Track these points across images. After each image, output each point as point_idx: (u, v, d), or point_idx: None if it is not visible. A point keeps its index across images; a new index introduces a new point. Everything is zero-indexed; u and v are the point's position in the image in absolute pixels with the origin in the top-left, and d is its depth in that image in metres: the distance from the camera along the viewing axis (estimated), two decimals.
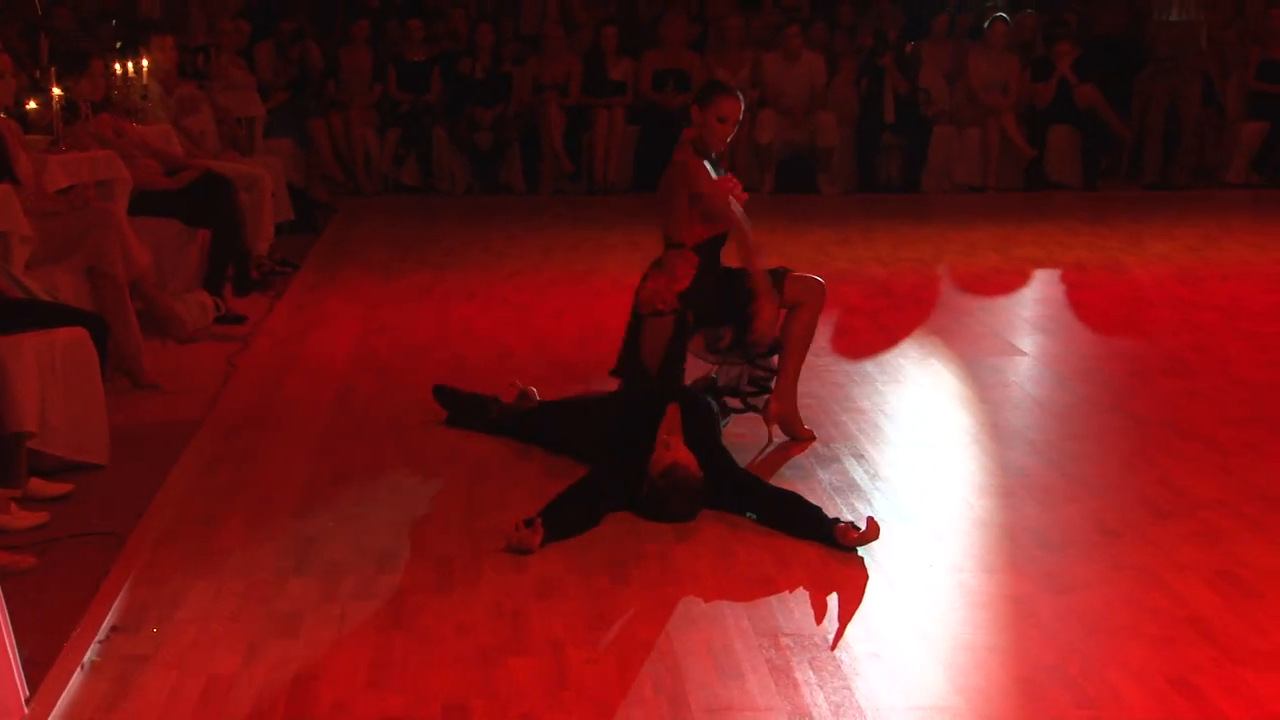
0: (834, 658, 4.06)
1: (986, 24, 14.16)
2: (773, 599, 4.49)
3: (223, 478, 5.70)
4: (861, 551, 4.83)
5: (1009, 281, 9.82)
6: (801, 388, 6.22)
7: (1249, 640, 4.13)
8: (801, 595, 4.51)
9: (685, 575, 4.67)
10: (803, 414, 6.19)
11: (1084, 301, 9.18)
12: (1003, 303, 9.24)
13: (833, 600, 4.48)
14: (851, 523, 4.89)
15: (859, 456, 5.91)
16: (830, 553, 4.81)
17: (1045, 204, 13.17)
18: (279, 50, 14.04)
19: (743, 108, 6.14)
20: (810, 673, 3.96)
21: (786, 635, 4.21)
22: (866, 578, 4.64)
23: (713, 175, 6.07)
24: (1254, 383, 6.97)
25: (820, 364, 7.19)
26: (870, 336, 8.10)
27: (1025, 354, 7.71)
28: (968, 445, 6.10)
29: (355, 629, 4.25)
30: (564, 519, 5.02)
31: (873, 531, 4.84)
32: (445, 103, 14.16)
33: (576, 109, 14.00)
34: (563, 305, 8.94)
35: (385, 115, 14.15)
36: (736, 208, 6.10)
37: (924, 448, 6.06)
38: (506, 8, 15.28)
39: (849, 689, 3.88)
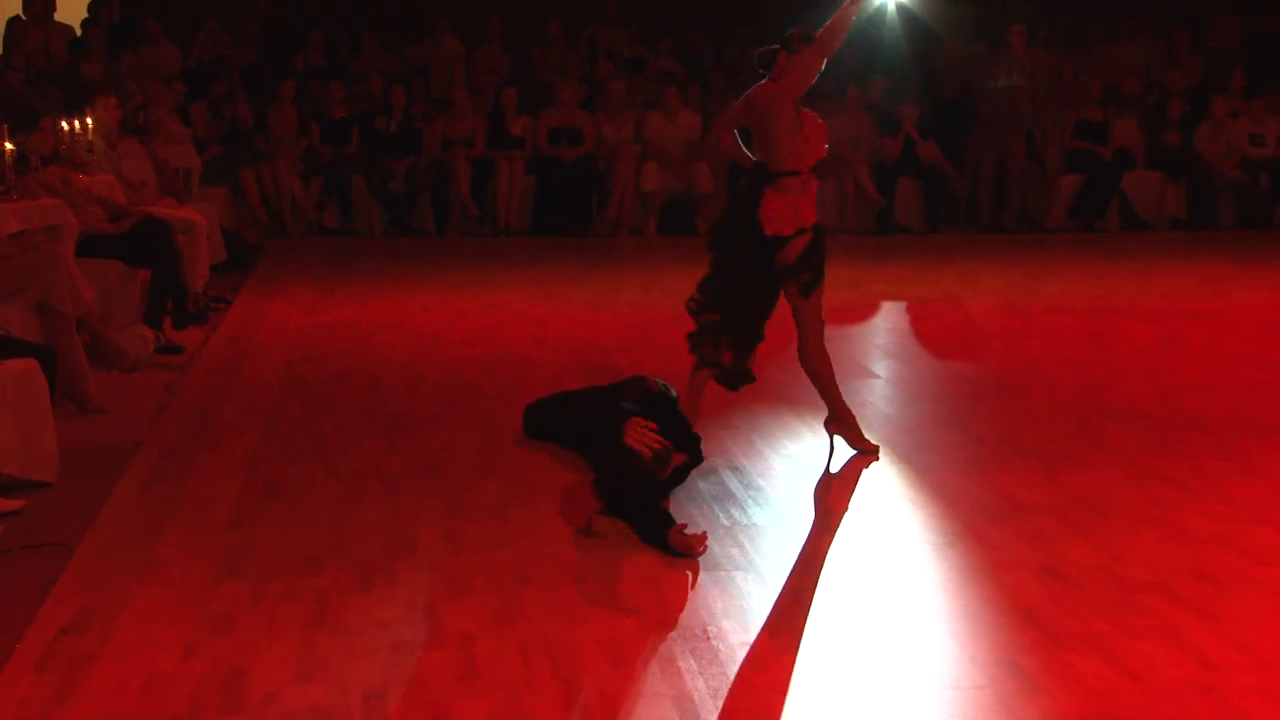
0: (712, 647, 4.06)
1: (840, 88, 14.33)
2: (658, 596, 4.48)
3: (162, 493, 5.60)
4: (736, 553, 4.84)
5: (863, 313, 9.90)
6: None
7: (1071, 626, 4.18)
8: (684, 592, 4.51)
9: (581, 575, 4.65)
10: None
11: (927, 331, 9.28)
12: (858, 332, 9.31)
13: (711, 596, 4.47)
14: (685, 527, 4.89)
15: (734, 469, 5.92)
16: (712, 555, 4.82)
17: (893, 246, 13.32)
18: (212, 109, 13.99)
19: None
20: (691, 661, 3.96)
21: (670, 628, 4.21)
22: (742, 576, 4.65)
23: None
24: (1074, 403, 7.07)
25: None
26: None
27: (878, 377, 7.78)
28: (830, 458, 6.13)
29: (283, 627, 4.19)
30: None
31: (698, 544, 4.83)
32: (363, 155, 14.09)
33: (481, 161, 13.98)
34: (470, 335, 8.89)
35: (309, 166, 14.06)
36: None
37: (791, 460, 6.08)
38: (418, 72, 15.25)
39: (725, 675, 3.88)
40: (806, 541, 5.02)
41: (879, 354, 8.47)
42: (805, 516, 5.32)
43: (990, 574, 4.64)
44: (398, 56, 15.52)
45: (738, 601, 4.42)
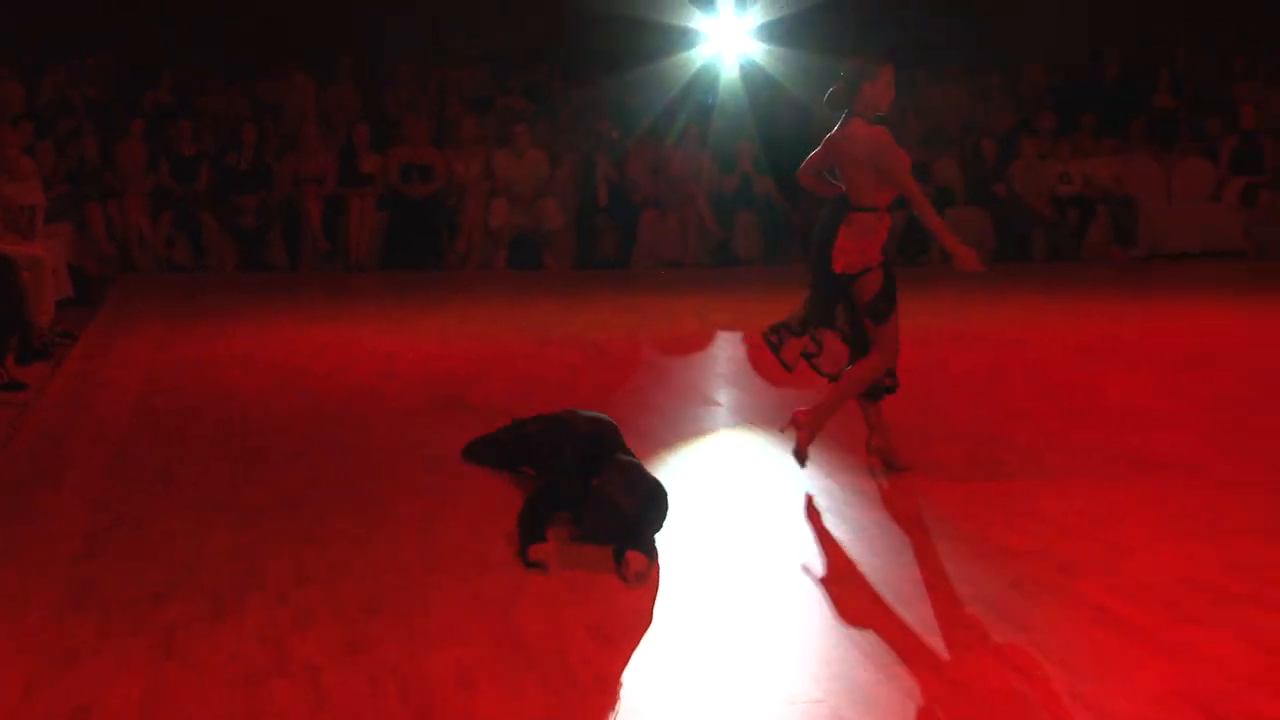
0: (564, 668, 4.04)
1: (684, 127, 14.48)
2: (509, 619, 4.45)
3: (5, 530, 5.42)
4: (585, 574, 4.83)
5: (704, 343, 9.99)
6: None
7: (901, 640, 4.24)
8: (534, 614, 4.49)
9: (429, 603, 4.61)
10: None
11: (766, 359, 9.34)
12: (700, 360, 9.40)
13: (561, 616, 4.46)
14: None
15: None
16: (562, 574, 4.80)
17: (733, 277, 13.46)
18: (58, 147, 13.65)
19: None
20: (541, 683, 3.94)
21: (521, 650, 4.18)
22: (592, 596, 4.64)
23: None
24: (904, 428, 7.16)
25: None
26: (589, 394, 8.13)
27: (719, 404, 7.84)
28: (677, 481, 6.14)
29: (130, 661, 4.07)
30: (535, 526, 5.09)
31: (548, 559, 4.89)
32: (213, 192, 13.86)
33: (333, 197, 13.84)
34: (322, 368, 8.78)
35: (158, 202, 13.77)
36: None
37: None
38: (267, 110, 15.06)
39: (576, 696, 3.87)
40: (657, 563, 5.03)
41: (720, 382, 8.55)
42: (657, 538, 5.32)
43: (826, 591, 4.70)
44: (248, 95, 15.32)
45: (587, 622, 4.41)
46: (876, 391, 6.26)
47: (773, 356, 6.45)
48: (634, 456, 5.52)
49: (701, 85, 15.94)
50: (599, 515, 5.16)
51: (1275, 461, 6.26)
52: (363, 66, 15.71)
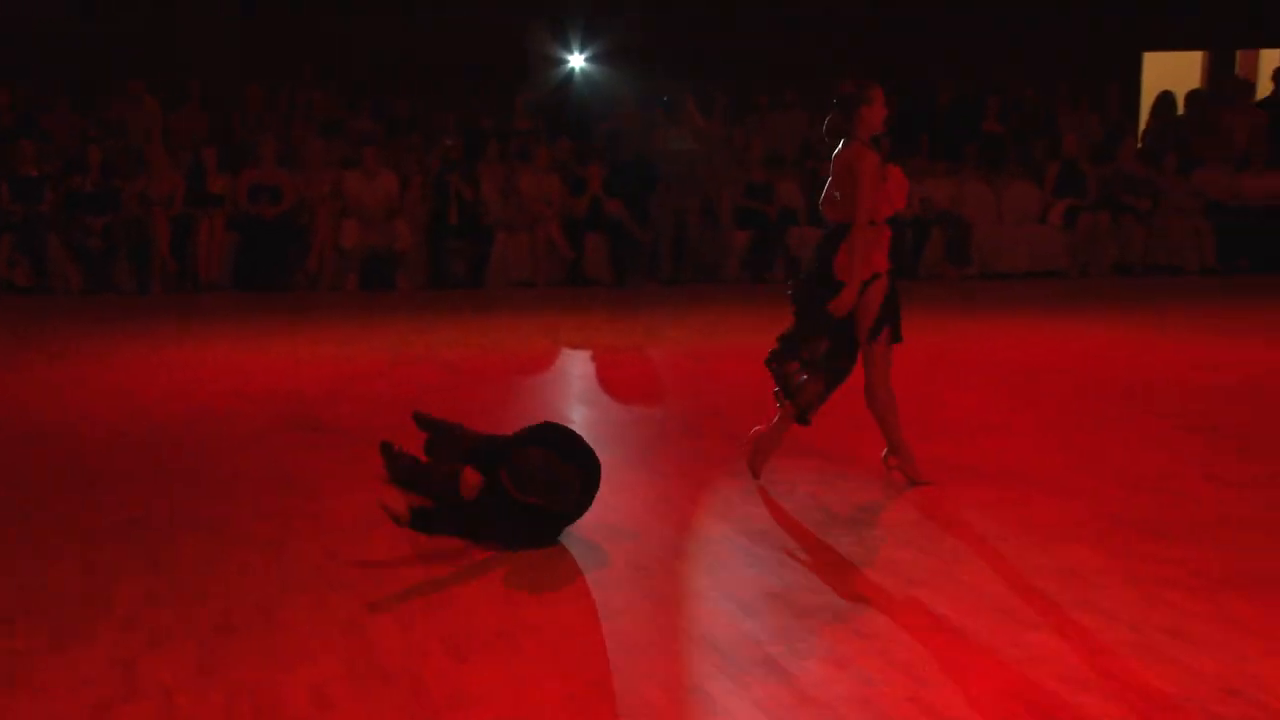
0: (416, 683, 4.01)
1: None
2: (363, 638, 4.40)
3: None
4: (434, 591, 4.80)
5: (555, 361, 9.99)
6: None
7: (749, 651, 4.29)
8: (387, 630, 4.44)
9: (282, 622, 4.53)
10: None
11: (616, 378, 9.42)
12: (551, 379, 9.40)
13: (414, 632, 4.42)
14: None
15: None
16: (420, 589, 4.76)
17: (584, 297, 13.49)
18: None
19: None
20: (396, 700, 3.90)
21: (373, 667, 4.13)
22: (447, 613, 4.60)
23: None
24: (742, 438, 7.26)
25: (396, 435, 7.13)
26: (445, 410, 8.07)
27: (572, 421, 7.84)
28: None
29: None
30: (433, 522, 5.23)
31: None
32: (58, 213, 13.48)
33: (181, 218, 13.56)
34: (171, 390, 8.58)
35: None
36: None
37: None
38: (114, 129, 14.71)
39: (428, 712, 3.83)
40: (516, 574, 5.01)
41: (572, 400, 8.55)
42: (509, 552, 5.31)
43: (679, 604, 4.72)
44: (92, 117, 14.95)
45: (441, 637, 4.38)
46: (805, 416, 6.32)
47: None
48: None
49: (552, 108, 15.99)
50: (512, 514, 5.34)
51: (1101, 472, 6.45)
52: (211, 88, 15.44)
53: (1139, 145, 15.64)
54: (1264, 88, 16.94)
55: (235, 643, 4.34)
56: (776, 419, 6.37)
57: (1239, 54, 18.56)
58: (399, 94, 15.99)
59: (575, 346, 10.52)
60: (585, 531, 5.63)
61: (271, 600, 4.75)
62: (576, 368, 9.90)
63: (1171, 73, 17.56)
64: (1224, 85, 17.13)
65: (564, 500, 5.39)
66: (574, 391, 8.89)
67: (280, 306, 12.77)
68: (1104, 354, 9.93)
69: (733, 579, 4.98)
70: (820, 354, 6.20)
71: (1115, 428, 7.35)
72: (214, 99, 15.43)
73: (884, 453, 6.47)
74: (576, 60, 16.71)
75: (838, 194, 6.19)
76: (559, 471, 5.37)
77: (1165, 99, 16.32)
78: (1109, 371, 9.18)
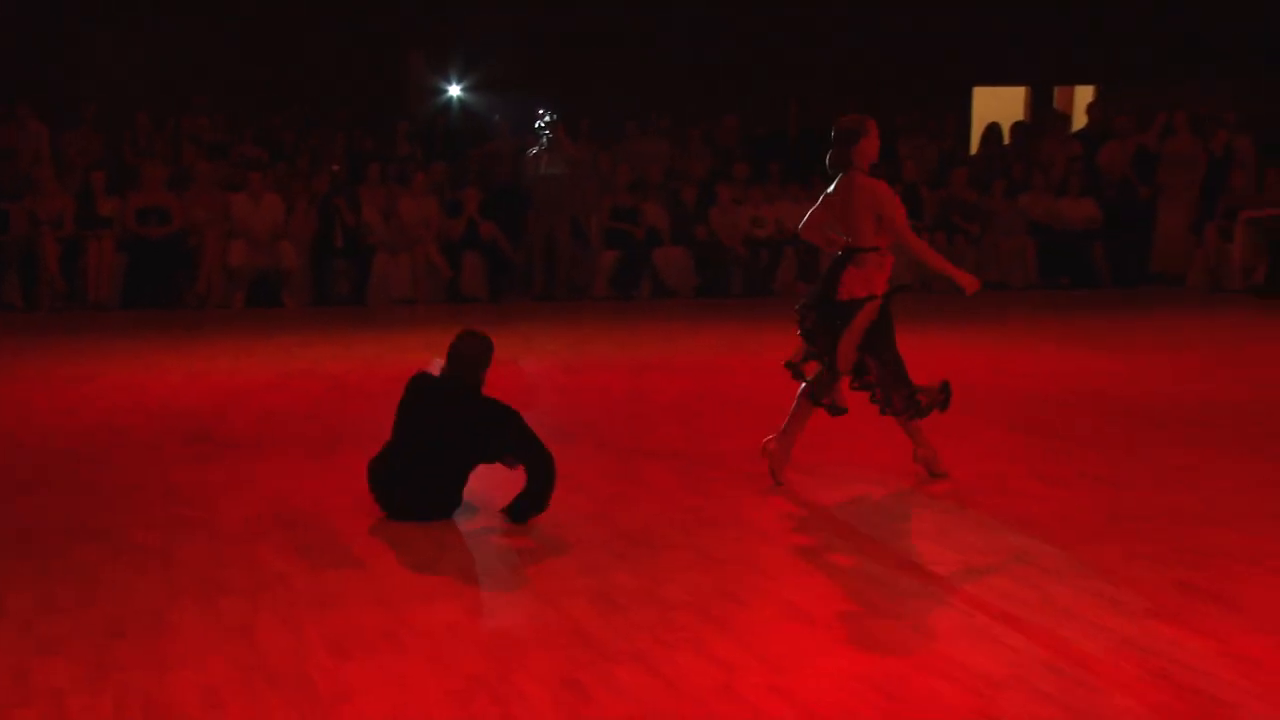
0: (307, 685, 3.95)
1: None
2: (249, 640, 4.32)
3: None
4: (315, 593, 4.73)
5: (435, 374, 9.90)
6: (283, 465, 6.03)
7: (618, 644, 4.30)
8: (275, 633, 4.37)
9: (172, 627, 4.43)
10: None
11: (492, 388, 9.30)
12: None
13: (302, 634, 4.35)
14: None
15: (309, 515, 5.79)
16: (306, 591, 4.69)
17: (462, 313, 13.39)
18: None
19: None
20: (285, 701, 3.84)
21: (260, 669, 4.06)
22: (329, 613, 4.54)
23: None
24: (621, 449, 7.28)
25: (286, 446, 7.04)
26: (331, 422, 7.98)
27: None
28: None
29: None
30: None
31: None
32: None
33: (70, 239, 13.21)
34: (64, 404, 8.35)
35: None
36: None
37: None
38: (2, 153, 14.27)
39: (316, 713, 3.78)
40: (391, 577, 4.96)
41: None
42: (392, 559, 5.26)
43: (552, 599, 4.72)
44: None
45: (328, 638, 4.32)
46: (921, 409, 6.40)
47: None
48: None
49: (430, 135, 15.89)
50: None
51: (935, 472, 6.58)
52: (103, 113, 15.07)
53: (970, 172, 16.00)
54: (1079, 120, 17.46)
55: (126, 647, 4.23)
56: (912, 435, 6.46)
57: (1057, 90, 19.10)
58: (284, 121, 15.77)
59: None
60: (466, 532, 5.60)
61: (162, 606, 4.64)
62: None
63: (998, 106, 18.02)
64: (1044, 118, 17.62)
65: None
66: None
67: (170, 325, 12.49)
68: (941, 363, 10.12)
69: (604, 576, 4.99)
70: (870, 368, 6.35)
71: (953, 432, 7.49)
72: (105, 122, 15.05)
73: (914, 451, 6.54)
74: (454, 90, 16.62)
75: (828, 221, 6.37)
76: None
77: (993, 130, 16.74)
78: (945, 377, 9.35)
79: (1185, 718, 3.70)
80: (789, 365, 6.55)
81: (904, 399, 6.36)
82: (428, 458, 5.71)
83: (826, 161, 6.37)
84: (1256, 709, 3.74)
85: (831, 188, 6.36)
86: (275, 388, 9.13)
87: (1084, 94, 18.67)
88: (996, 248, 15.13)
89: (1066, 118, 17.40)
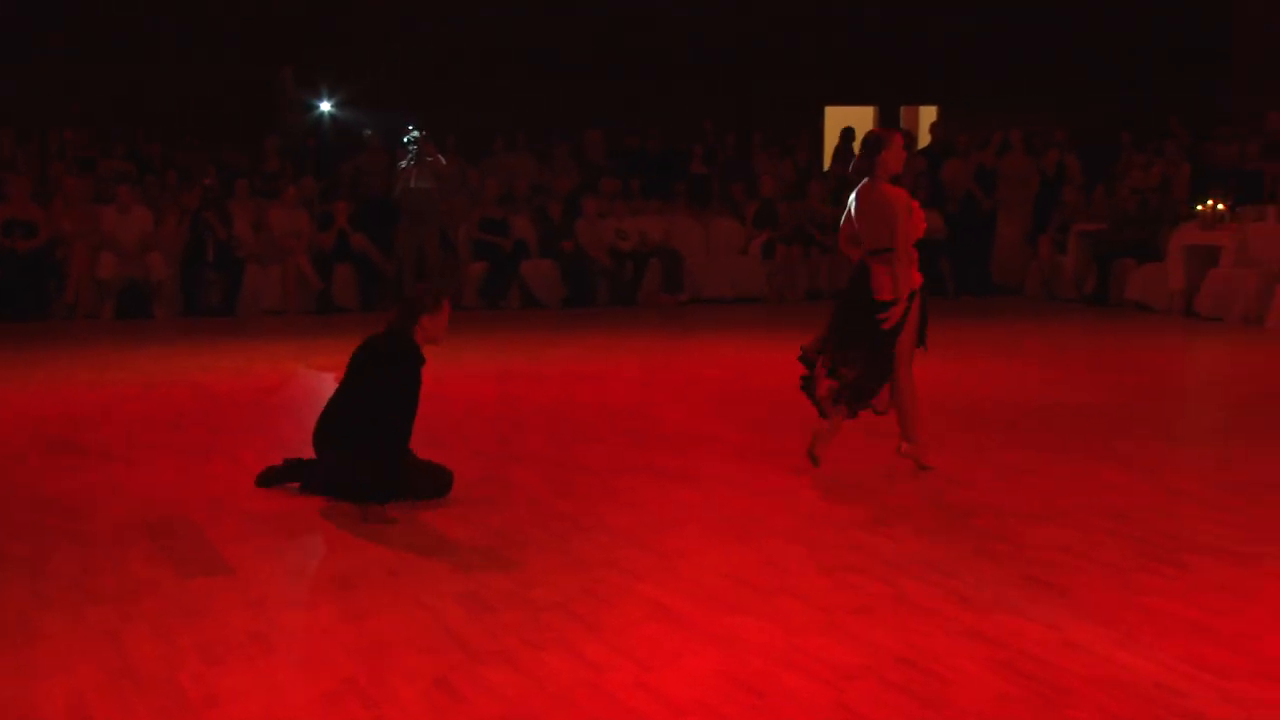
0: (173, 686, 3.84)
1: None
2: (117, 646, 4.17)
3: None
4: (187, 595, 4.61)
5: (309, 385, 9.74)
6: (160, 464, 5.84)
7: (487, 644, 4.26)
8: (144, 639, 4.23)
9: (40, 635, 4.26)
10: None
11: None
12: (301, 400, 9.14)
13: (172, 640, 4.22)
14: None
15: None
16: (175, 597, 4.56)
17: (334, 324, 13.17)
18: None
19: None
20: (151, 708, 3.72)
21: (129, 675, 3.93)
22: (203, 621, 4.42)
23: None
24: (489, 454, 7.23)
25: (155, 455, 6.84)
26: (200, 431, 7.78)
27: None
28: (284, 512, 5.94)
29: None
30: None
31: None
32: None
33: None
34: None
35: None
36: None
37: (260, 518, 5.86)
38: None
39: (185, 708, 3.67)
40: (262, 583, 4.84)
41: None
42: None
43: (423, 601, 4.65)
44: None
45: (198, 643, 4.20)
46: (855, 408, 6.54)
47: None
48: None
49: (301, 150, 15.63)
50: None
51: (795, 474, 6.64)
52: None
53: (824, 186, 16.25)
54: (924, 138, 17.86)
55: None
56: (831, 423, 6.52)
57: (903, 109, 19.52)
58: (153, 136, 15.37)
59: (324, 369, 10.26)
60: (335, 537, 5.50)
61: (29, 614, 4.47)
62: (325, 388, 9.64)
63: (848, 124, 18.34)
64: None
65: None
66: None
67: (38, 335, 12.08)
68: (797, 370, 10.25)
69: (474, 578, 4.94)
70: (852, 363, 6.41)
71: (807, 436, 7.57)
72: None
73: (898, 445, 6.66)
74: (325, 105, 16.38)
75: (858, 227, 6.50)
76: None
77: (845, 142, 17.02)
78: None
79: (1028, 705, 3.78)
80: (802, 351, 6.70)
81: (860, 397, 6.49)
82: (354, 408, 5.86)
83: (850, 169, 6.57)
84: (1091, 694, 3.84)
85: (853, 196, 6.54)
86: (144, 397, 8.88)
87: (928, 113, 19.11)
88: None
89: (912, 135, 17.77)
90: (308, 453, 6.30)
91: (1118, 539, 5.43)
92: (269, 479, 6.28)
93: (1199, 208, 13.58)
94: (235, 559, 5.18)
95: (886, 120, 19.04)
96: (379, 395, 5.84)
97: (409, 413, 5.90)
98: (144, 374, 9.85)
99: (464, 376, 9.89)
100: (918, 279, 6.49)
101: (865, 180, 6.48)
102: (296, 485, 6.23)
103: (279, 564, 5.15)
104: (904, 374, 6.56)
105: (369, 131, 15.46)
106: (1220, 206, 13.38)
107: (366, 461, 5.74)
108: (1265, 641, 4.24)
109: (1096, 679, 3.94)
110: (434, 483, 6.10)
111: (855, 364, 6.40)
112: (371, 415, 5.79)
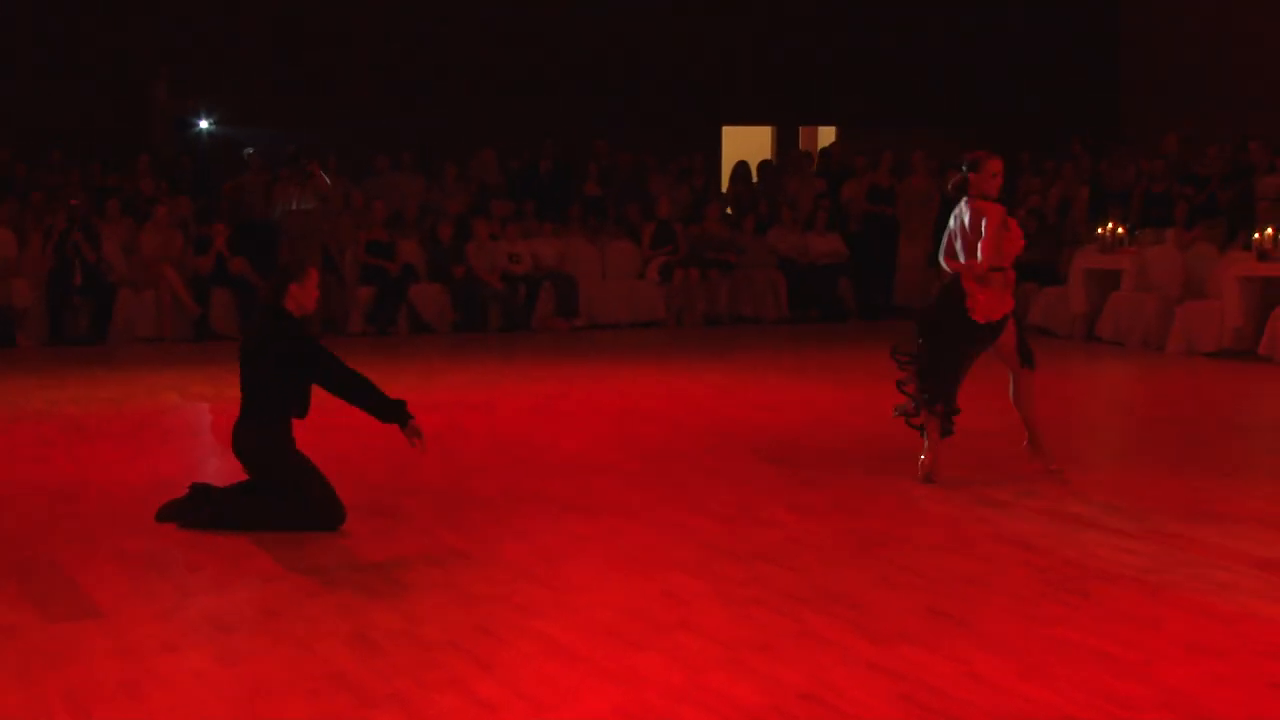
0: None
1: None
2: (19, 653, 4.07)
3: None
4: (53, 641, 4.48)
5: (187, 417, 9.55)
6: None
7: (377, 686, 4.21)
8: (8, 686, 4.11)
9: None
10: None
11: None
12: (181, 432, 8.98)
13: (39, 686, 4.11)
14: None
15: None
16: (41, 644, 4.43)
17: (212, 351, 12.93)
18: None
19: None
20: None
21: (23, 685, 3.83)
22: (69, 664, 4.30)
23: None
24: (377, 486, 7.15)
25: (19, 492, 6.66)
26: (69, 466, 7.59)
27: (204, 475, 7.49)
28: (166, 550, 5.82)
29: None
30: None
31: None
32: None
33: None
34: None
35: None
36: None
37: (132, 557, 5.72)
38: None
39: None
40: (132, 628, 4.73)
41: (204, 453, 8.19)
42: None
43: (306, 643, 4.58)
44: None
45: (62, 694, 4.09)
46: (947, 427, 7.08)
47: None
48: None
49: (176, 169, 15.38)
50: None
51: (695, 504, 6.67)
52: None
53: (722, 208, 16.37)
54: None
55: None
56: (930, 441, 7.04)
57: (801, 130, 19.78)
58: (14, 153, 14.98)
59: (205, 399, 10.08)
60: (211, 576, 5.39)
61: None
62: (205, 420, 9.49)
63: (746, 145, 18.53)
64: (789, 157, 18.21)
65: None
66: (204, 443, 8.52)
67: None
68: (696, 397, 10.32)
69: (361, 616, 4.88)
70: (939, 378, 6.90)
71: (707, 464, 7.63)
72: None
73: (1025, 443, 7.23)
74: (203, 123, 16.16)
75: (958, 244, 6.91)
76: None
77: (742, 167, 17.19)
78: (700, 412, 9.54)
79: None
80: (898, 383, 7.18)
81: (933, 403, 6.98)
82: (251, 390, 6.23)
83: (948, 188, 7.06)
84: None
85: (952, 215, 6.97)
86: (7, 431, 8.65)
87: (826, 134, 19.39)
88: (748, 282, 15.51)
89: (811, 156, 18.01)
90: (181, 489, 6.17)
91: (1021, 567, 5.53)
92: (172, 513, 6.16)
93: (1099, 231, 13.92)
94: (105, 601, 5.06)
95: (785, 142, 19.28)
96: (269, 369, 6.16)
97: (302, 379, 6.19)
98: (8, 406, 9.59)
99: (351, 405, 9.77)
100: (1010, 301, 6.93)
101: (964, 198, 6.97)
102: (177, 524, 6.10)
103: (151, 606, 5.03)
104: (1025, 383, 7.07)
105: (249, 150, 15.26)
106: (1119, 230, 13.72)
107: (295, 495, 6.08)
108: (1168, 671, 4.34)
109: (1000, 712, 4.00)
110: (323, 515, 6.04)
111: (920, 380, 6.97)
112: (266, 390, 6.13)
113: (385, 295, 14.45)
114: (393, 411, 6.24)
